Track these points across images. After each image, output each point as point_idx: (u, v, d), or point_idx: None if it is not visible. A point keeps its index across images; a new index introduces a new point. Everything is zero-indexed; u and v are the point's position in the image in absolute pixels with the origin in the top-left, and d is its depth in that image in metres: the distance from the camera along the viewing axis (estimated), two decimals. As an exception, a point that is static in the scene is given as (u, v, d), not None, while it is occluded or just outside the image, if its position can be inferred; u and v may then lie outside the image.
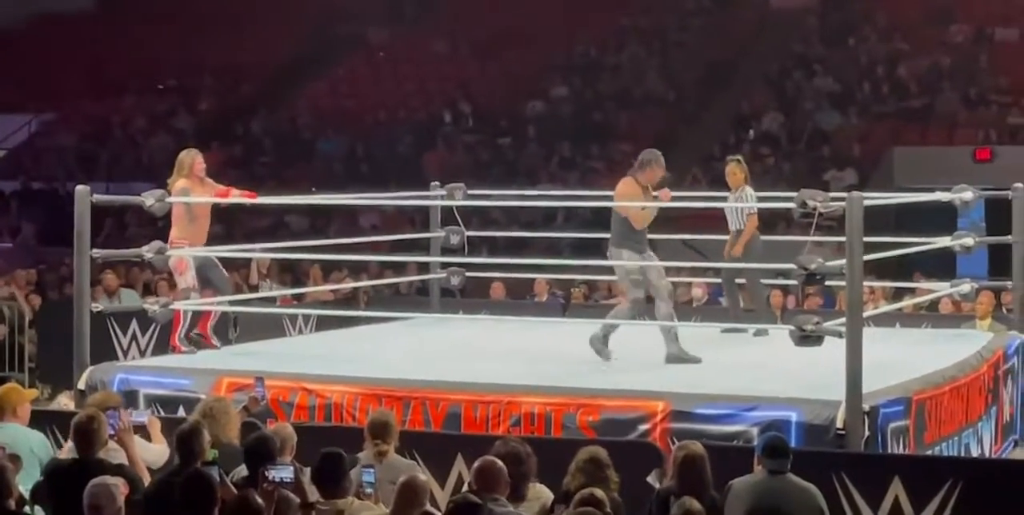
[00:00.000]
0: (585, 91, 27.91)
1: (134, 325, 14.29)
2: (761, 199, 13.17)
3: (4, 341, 15.64)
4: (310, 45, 31.46)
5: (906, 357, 11.24)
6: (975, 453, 11.13)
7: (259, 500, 6.61)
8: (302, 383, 10.15)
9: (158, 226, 21.89)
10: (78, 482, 6.96)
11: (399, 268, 17.48)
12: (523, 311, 15.33)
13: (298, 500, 7.04)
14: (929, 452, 10.03)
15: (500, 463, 7.39)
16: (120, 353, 14.02)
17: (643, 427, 9.32)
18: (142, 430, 8.60)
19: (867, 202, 9.63)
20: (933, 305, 15.62)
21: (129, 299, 15.41)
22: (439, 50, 30.27)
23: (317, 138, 28.60)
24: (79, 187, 11.00)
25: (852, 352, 9.22)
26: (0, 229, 26.55)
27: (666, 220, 16.96)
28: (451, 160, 26.49)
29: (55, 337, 13.11)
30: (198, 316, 11.54)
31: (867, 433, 9.08)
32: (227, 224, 24.41)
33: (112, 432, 8.05)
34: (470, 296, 16.49)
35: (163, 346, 13.13)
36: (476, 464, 7.42)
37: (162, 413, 9.72)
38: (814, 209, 9.85)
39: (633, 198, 11.05)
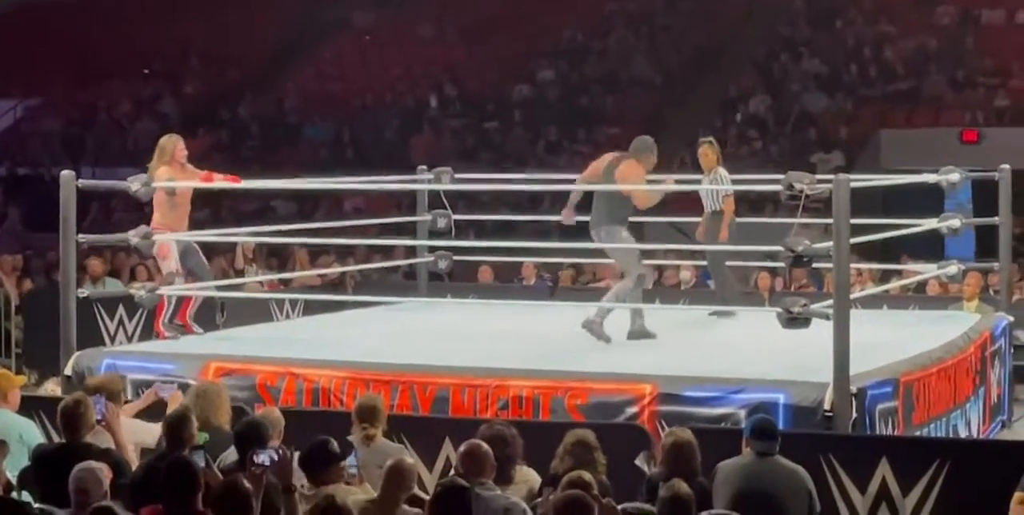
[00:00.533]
0: (572, 75, 27.88)
1: (121, 311, 14.26)
2: (748, 181, 13.16)
3: (-9, 327, 15.63)
4: (296, 29, 31.39)
5: (894, 339, 11.25)
6: (963, 434, 11.15)
7: (247, 485, 6.59)
8: (289, 368, 10.13)
9: (144, 211, 21.81)
10: (65, 467, 6.95)
11: (386, 252, 17.47)
12: (511, 294, 15.32)
13: (281, 484, 7.02)
14: (917, 433, 10.04)
15: (486, 447, 7.39)
16: (107, 338, 14.00)
17: (631, 410, 9.32)
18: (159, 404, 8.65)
19: (854, 184, 9.62)
20: (920, 287, 15.64)
21: (112, 286, 15.37)
22: (425, 34, 30.22)
23: (303, 122, 28.55)
24: (64, 172, 10.96)
25: (840, 334, 9.23)
26: (-15, 215, 26.53)
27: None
28: (438, 144, 26.46)
29: (42, 323, 13.09)
30: (181, 301, 11.52)
31: (855, 415, 9.09)
32: (213, 208, 24.40)
33: (99, 417, 8.05)
34: (458, 280, 16.48)
35: (150, 331, 13.12)
36: (462, 448, 7.41)
37: (149, 398, 9.69)
38: (801, 191, 9.85)
39: (640, 181, 11.18)
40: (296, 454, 7.11)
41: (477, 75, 28.65)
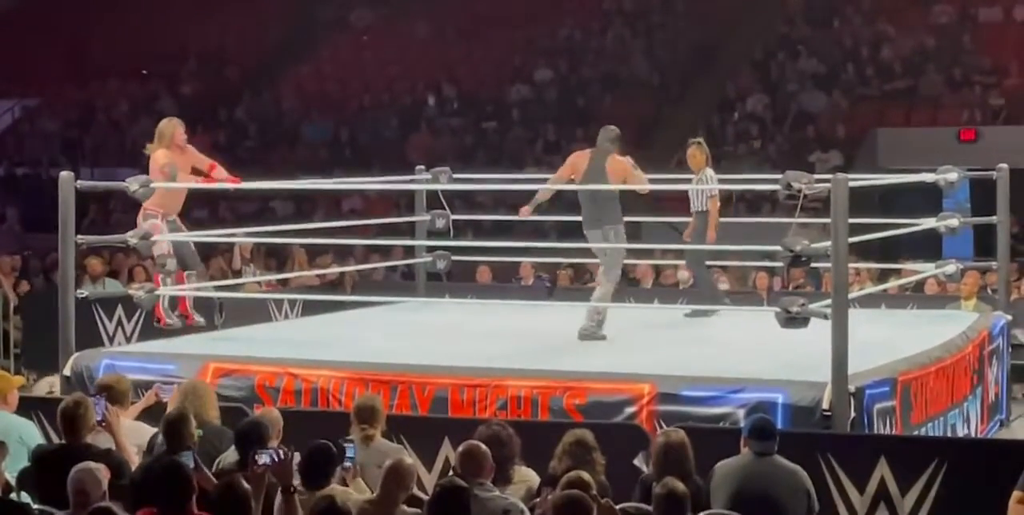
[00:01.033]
0: (569, 75, 27.88)
1: (119, 311, 14.27)
2: (746, 181, 13.18)
3: (-11, 327, 15.62)
4: (293, 29, 31.39)
5: (892, 338, 11.26)
6: (961, 433, 11.16)
7: (245, 485, 6.60)
8: (288, 368, 10.13)
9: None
10: (64, 468, 6.95)
11: (385, 252, 17.47)
12: (509, 294, 15.33)
13: (282, 484, 7.03)
14: (916, 432, 10.05)
15: (485, 447, 7.39)
16: (106, 339, 14.00)
17: (630, 410, 9.32)
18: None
19: (852, 183, 9.63)
20: (918, 286, 15.65)
21: (111, 287, 15.38)
22: (423, 34, 30.21)
23: (301, 122, 28.55)
24: (63, 173, 10.96)
25: (838, 333, 9.23)
26: (-16, 215, 26.53)
27: (651, 202, 17.03)
28: (436, 144, 26.46)
29: (40, 323, 13.09)
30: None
31: (853, 414, 9.09)
32: (212, 209, 24.42)
33: (99, 418, 8.06)
34: (456, 280, 16.49)
35: (148, 332, 13.13)
36: (460, 448, 7.42)
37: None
38: (799, 191, 9.85)
39: (633, 171, 11.39)
40: (296, 455, 7.12)
41: (475, 75, 28.65)
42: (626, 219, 11.67)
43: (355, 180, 14.40)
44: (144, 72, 30.81)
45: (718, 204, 12.43)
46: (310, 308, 14.41)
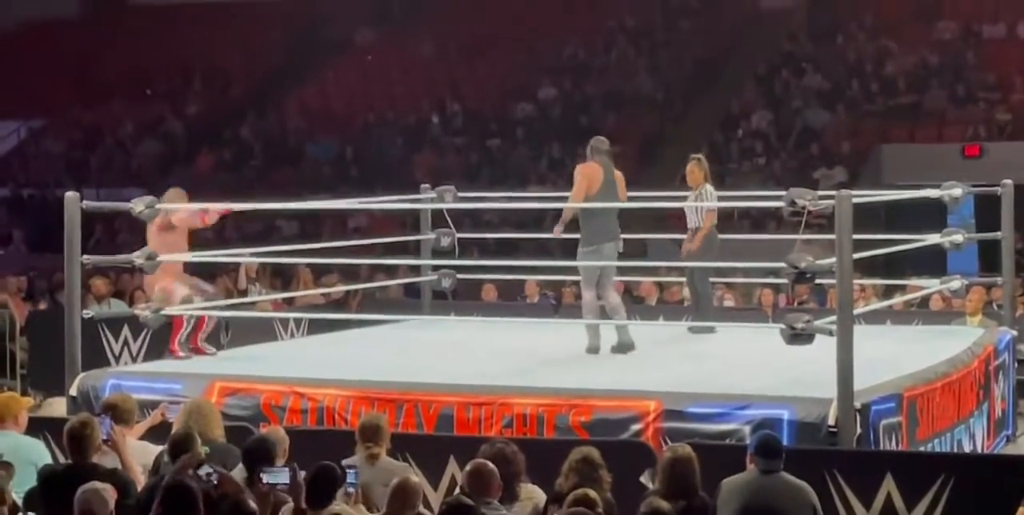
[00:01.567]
0: (574, 92, 27.93)
1: (125, 331, 14.27)
2: (750, 198, 13.19)
3: (-4, 348, 15.62)
4: (298, 49, 31.46)
5: (897, 354, 11.25)
6: (967, 449, 11.14)
7: (252, 504, 6.61)
8: (294, 387, 10.14)
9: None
10: (71, 488, 6.95)
11: (390, 271, 17.47)
12: (514, 312, 15.33)
13: (293, 505, 7.03)
14: (922, 448, 10.04)
15: (492, 465, 7.40)
16: (112, 359, 14.01)
17: (636, 427, 9.32)
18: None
19: (856, 200, 9.64)
20: (924, 302, 15.63)
21: (117, 307, 15.39)
22: (427, 52, 30.28)
23: (306, 141, 28.61)
24: (68, 193, 10.98)
25: (843, 349, 9.23)
26: (-10, 236, 26.57)
27: (656, 219, 17.04)
28: (440, 162, 26.49)
29: (46, 344, 13.09)
30: (198, 322, 11.56)
31: (859, 430, 9.09)
32: (217, 228, 24.41)
33: (105, 439, 8.06)
34: (461, 298, 16.48)
35: (154, 352, 13.13)
36: (468, 467, 7.42)
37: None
38: (803, 207, 9.86)
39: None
40: (303, 475, 7.12)
41: (479, 93, 28.70)
42: (631, 236, 11.68)
43: (361, 201, 14.41)
44: (149, 93, 30.88)
45: (714, 221, 12.44)
46: (316, 327, 14.41)
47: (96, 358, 12.02)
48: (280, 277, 18.58)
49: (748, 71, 27.73)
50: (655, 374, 10.43)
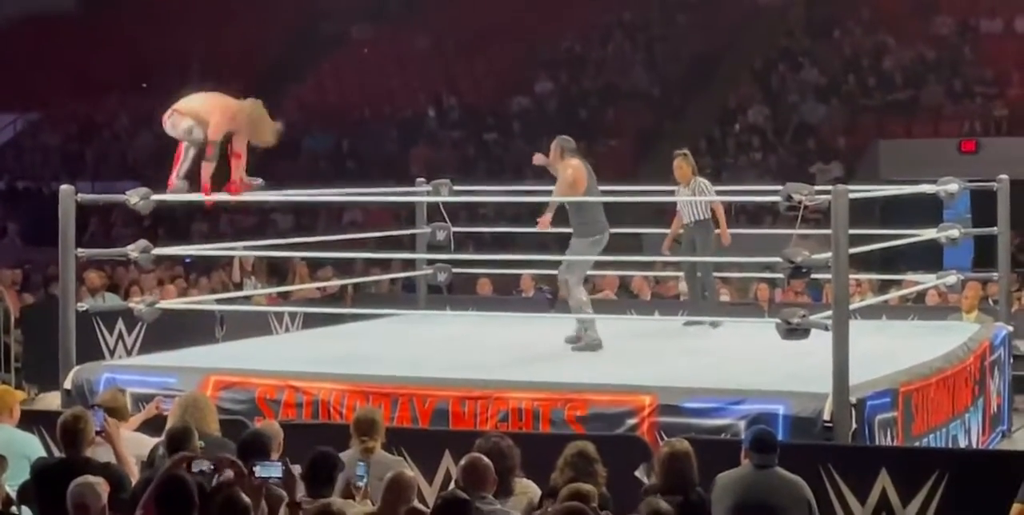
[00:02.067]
0: (570, 86, 27.91)
1: (120, 324, 14.24)
2: (747, 192, 13.17)
3: (-10, 341, 15.60)
4: (294, 43, 31.42)
5: (893, 349, 11.25)
6: (963, 444, 11.14)
7: (245, 499, 6.59)
8: (289, 381, 10.12)
9: (143, 225, 21.96)
10: (64, 481, 6.94)
11: (385, 265, 17.46)
12: (510, 307, 15.31)
13: (287, 497, 7.02)
14: (917, 444, 10.04)
15: (487, 460, 7.38)
16: (106, 352, 13.98)
17: (631, 421, 9.31)
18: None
19: (853, 195, 9.64)
20: (919, 297, 15.64)
21: (111, 300, 15.36)
22: (423, 46, 30.25)
23: (303, 135, 28.56)
24: (64, 186, 10.96)
25: (839, 345, 9.22)
26: (-15, 229, 26.54)
27: (654, 214, 17.03)
28: (437, 156, 26.47)
29: (41, 337, 13.07)
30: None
31: (854, 425, 9.08)
32: (213, 222, 24.43)
33: (99, 430, 8.05)
34: (457, 292, 16.48)
35: (149, 345, 13.11)
36: (463, 461, 7.41)
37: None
38: (800, 202, 9.85)
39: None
40: (297, 468, 7.11)
41: (476, 87, 28.68)
42: (627, 230, 11.68)
43: (356, 192, 14.38)
44: (145, 86, 30.83)
45: (722, 209, 12.46)
46: (311, 321, 14.40)
47: (91, 351, 11.98)
48: (275, 271, 18.57)
49: (745, 66, 27.72)
50: (650, 369, 10.42)
